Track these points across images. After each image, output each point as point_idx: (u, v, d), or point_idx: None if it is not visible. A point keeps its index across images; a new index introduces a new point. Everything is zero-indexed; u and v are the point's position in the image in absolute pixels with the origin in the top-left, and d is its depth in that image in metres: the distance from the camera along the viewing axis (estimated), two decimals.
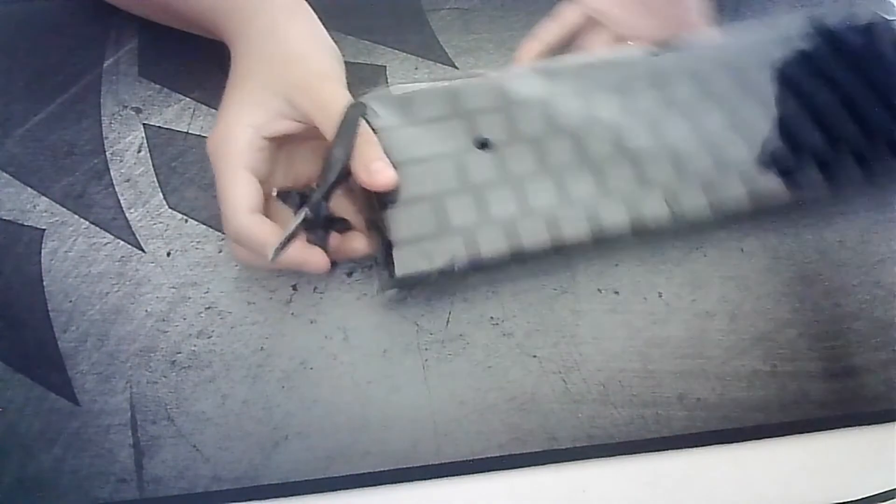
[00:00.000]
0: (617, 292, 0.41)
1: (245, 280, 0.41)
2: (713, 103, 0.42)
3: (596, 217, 0.39)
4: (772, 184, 0.40)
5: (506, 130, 0.40)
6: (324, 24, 0.41)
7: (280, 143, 0.39)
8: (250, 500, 0.37)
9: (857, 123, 0.41)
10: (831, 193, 0.41)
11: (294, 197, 0.38)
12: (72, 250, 0.41)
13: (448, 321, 0.40)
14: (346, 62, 0.41)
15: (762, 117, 0.41)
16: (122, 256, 0.41)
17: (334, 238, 0.38)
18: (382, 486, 0.37)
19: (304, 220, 0.36)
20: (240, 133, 0.36)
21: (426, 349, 0.40)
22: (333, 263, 0.39)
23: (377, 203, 0.38)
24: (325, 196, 0.36)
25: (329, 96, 0.37)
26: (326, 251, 0.37)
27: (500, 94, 0.41)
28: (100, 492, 0.36)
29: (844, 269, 0.43)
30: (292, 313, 0.40)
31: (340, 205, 0.39)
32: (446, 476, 0.37)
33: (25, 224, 0.42)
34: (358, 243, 0.39)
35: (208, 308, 0.40)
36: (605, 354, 0.40)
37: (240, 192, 0.36)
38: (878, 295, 0.42)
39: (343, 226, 0.39)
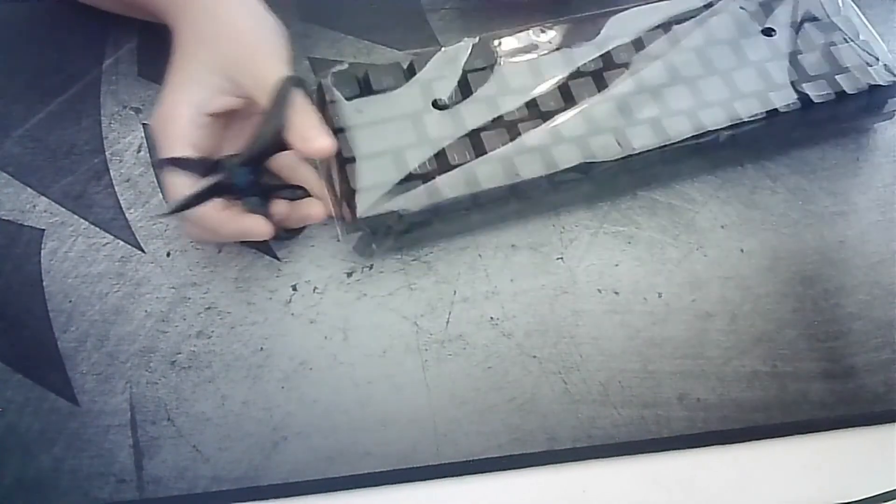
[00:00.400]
0: (617, 292, 0.41)
1: (245, 280, 0.41)
2: (651, 56, 0.44)
3: (550, 158, 0.41)
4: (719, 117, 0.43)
5: (460, 93, 0.42)
6: (323, 24, 0.41)
7: (227, 120, 0.39)
8: (250, 500, 0.37)
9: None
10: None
11: (195, 164, 0.38)
12: (72, 250, 0.41)
13: (448, 321, 0.40)
14: (345, 62, 0.41)
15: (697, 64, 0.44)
16: (122, 256, 0.41)
17: (284, 205, 0.40)
18: (382, 486, 0.37)
19: (216, 185, 0.37)
20: (181, 111, 0.37)
21: (426, 349, 0.40)
22: (294, 231, 0.41)
23: (339, 162, 0.40)
24: (251, 162, 0.38)
25: (266, 71, 0.38)
26: (269, 217, 0.39)
27: (454, 64, 0.43)
28: (99, 492, 0.36)
29: (844, 269, 0.43)
30: (292, 313, 0.40)
31: (299, 174, 0.41)
32: (446, 476, 0.37)
33: (25, 224, 0.42)
34: (312, 209, 0.40)
35: (208, 308, 0.40)
36: (605, 355, 0.40)
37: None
38: (878, 295, 0.42)
39: (292, 194, 0.41)
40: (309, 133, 0.37)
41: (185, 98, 0.38)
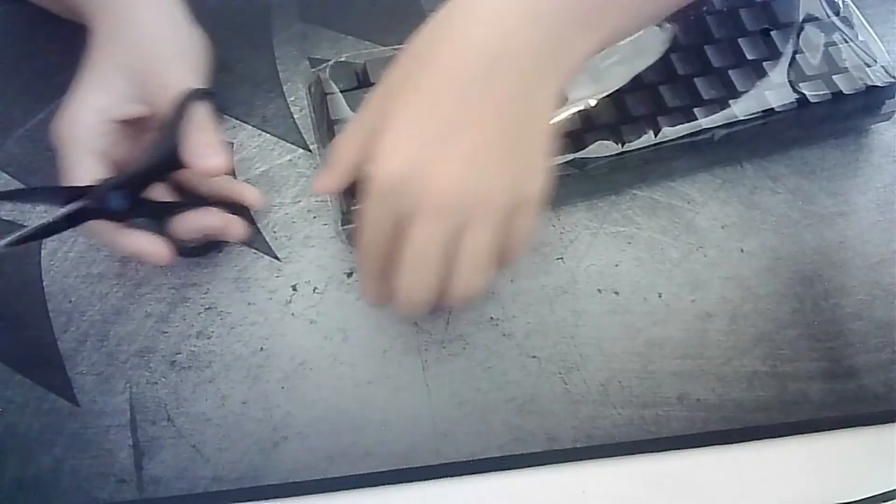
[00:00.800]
0: (617, 292, 0.41)
1: (245, 280, 0.41)
2: (644, 53, 0.44)
3: None
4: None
5: None
6: (324, 24, 0.41)
7: (138, 129, 0.38)
8: (250, 500, 0.37)
9: None
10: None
11: (42, 194, 0.36)
12: (72, 251, 0.41)
13: (448, 321, 0.40)
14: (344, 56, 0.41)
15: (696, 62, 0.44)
16: (122, 257, 0.41)
17: (188, 220, 0.38)
18: (382, 486, 0.37)
19: (76, 213, 0.34)
20: (84, 116, 0.36)
21: (426, 349, 0.40)
22: (206, 246, 0.40)
23: (328, 124, 0.41)
24: (129, 184, 0.35)
25: (172, 80, 0.36)
26: (169, 237, 0.37)
27: None
28: (100, 492, 0.36)
29: (844, 270, 0.43)
30: (292, 314, 0.40)
31: (210, 184, 0.39)
32: (446, 476, 0.37)
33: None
34: (211, 219, 0.38)
35: (208, 309, 0.40)
36: (605, 355, 0.40)
37: (83, 177, 0.35)
38: (878, 295, 0.42)
39: (204, 207, 0.38)
40: (203, 150, 0.36)
41: (89, 102, 0.36)
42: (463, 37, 0.32)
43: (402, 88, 0.32)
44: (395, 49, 0.43)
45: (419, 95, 0.32)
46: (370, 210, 0.33)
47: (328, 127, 0.41)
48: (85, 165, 0.35)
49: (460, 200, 0.31)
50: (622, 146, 0.41)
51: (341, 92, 0.41)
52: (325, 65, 0.42)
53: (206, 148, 0.36)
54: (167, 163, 0.36)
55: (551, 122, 0.34)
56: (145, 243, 0.36)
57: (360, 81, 0.42)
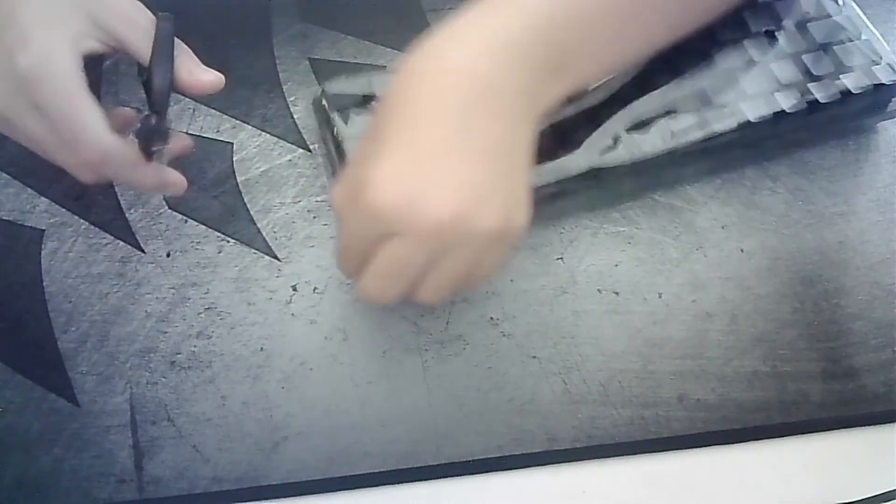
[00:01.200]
0: (617, 292, 0.41)
1: (245, 280, 0.41)
2: (657, 59, 0.43)
3: (559, 164, 0.40)
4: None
5: None
6: (323, 24, 0.41)
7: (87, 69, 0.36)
8: (250, 500, 0.37)
9: None
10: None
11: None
12: (72, 251, 0.41)
13: (448, 322, 0.40)
14: (345, 62, 0.41)
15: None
16: (122, 257, 0.41)
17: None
18: (382, 486, 0.37)
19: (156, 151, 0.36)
20: (63, 52, 0.33)
21: (426, 350, 0.40)
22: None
23: (335, 141, 0.41)
24: (163, 113, 0.36)
25: (134, 11, 0.35)
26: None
27: None
28: (100, 492, 0.36)
29: (844, 270, 0.43)
30: (292, 314, 0.40)
31: None
32: (446, 476, 0.37)
33: (25, 224, 0.42)
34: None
35: (208, 309, 0.40)
36: (604, 355, 0.40)
37: (94, 112, 0.34)
38: (878, 295, 0.42)
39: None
40: (195, 68, 0.36)
41: (59, 36, 0.33)
42: (447, 73, 0.32)
43: (394, 118, 0.32)
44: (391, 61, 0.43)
45: (412, 128, 0.32)
46: (353, 225, 0.33)
47: (335, 140, 0.41)
48: (89, 101, 0.33)
49: (451, 230, 0.31)
50: (636, 155, 0.41)
51: (347, 110, 0.41)
52: (331, 81, 0.42)
53: (197, 66, 0.36)
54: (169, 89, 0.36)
55: (529, 158, 0.34)
56: (168, 174, 0.37)
57: (366, 98, 0.41)
